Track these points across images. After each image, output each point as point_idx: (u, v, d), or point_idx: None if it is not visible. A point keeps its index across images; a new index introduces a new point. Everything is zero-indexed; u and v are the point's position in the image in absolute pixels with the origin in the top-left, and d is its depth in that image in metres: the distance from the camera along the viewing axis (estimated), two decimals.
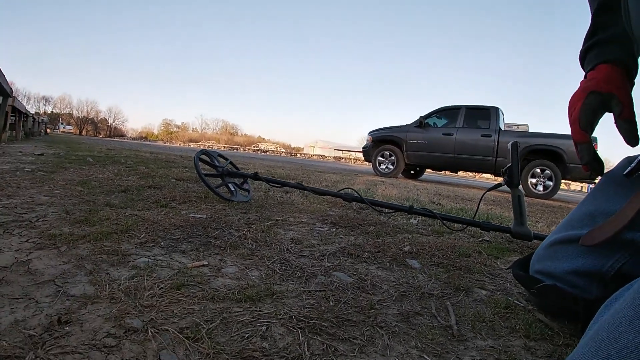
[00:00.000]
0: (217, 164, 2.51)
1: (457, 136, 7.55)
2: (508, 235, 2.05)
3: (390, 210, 2.10)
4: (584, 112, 0.87)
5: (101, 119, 79.44)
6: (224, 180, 2.41)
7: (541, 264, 0.98)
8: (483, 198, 4.55)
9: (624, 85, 0.85)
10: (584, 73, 0.95)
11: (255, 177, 2.34)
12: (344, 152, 57.68)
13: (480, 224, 1.75)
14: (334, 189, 3.55)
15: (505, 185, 1.62)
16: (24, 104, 10.77)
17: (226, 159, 2.67)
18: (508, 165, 1.60)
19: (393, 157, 8.18)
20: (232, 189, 2.37)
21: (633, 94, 0.86)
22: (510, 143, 1.61)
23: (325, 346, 0.78)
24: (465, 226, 1.87)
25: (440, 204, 3.35)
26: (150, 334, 0.75)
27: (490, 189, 1.86)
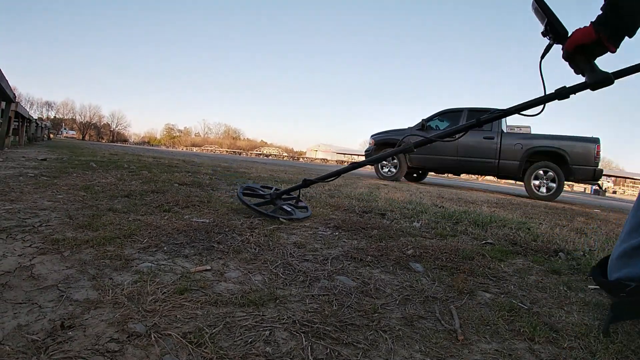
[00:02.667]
0: (262, 193, 2.39)
1: (460, 139, 7.55)
2: (511, 238, 2.04)
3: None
4: None
5: (104, 124, 79.80)
6: (276, 203, 2.22)
7: (620, 272, 1.06)
8: (487, 201, 4.54)
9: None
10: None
11: (306, 183, 2.19)
12: (346, 155, 57.74)
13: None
14: (336, 192, 3.55)
15: (555, 43, 1.41)
16: (27, 110, 10.83)
17: (270, 188, 2.55)
18: (546, 21, 1.40)
19: (395, 161, 8.17)
20: (289, 209, 2.19)
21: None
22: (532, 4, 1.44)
23: (328, 350, 0.77)
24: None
25: (443, 206, 3.34)
26: (153, 338, 0.75)
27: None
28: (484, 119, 1.68)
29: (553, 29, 1.38)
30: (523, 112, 1.57)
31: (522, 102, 1.57)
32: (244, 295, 1.00)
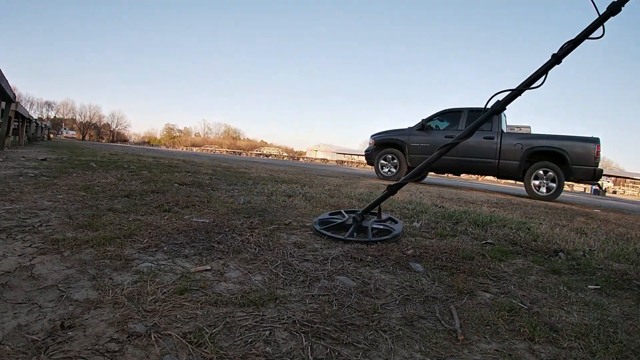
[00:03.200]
0: (339, 221, 1.95)
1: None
2: (511, 238, 2.04)
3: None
4: None
5: (104, 124, 79.70)
6: (364, 226, 1.85)
7: None
8: (487, 201, 4.54)
9: None
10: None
11: (393, 190, 1.87)
12: (346, 155, 57.73)
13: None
14: (336, 192, 3.55)
15: None
16: (27, 109, 10.83)
17: (338, 212, 2.17)
18: None
19: (395, 161, 8.17)
20: (382, 226, 1.91)
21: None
22: None
23: (329, 350, 0.77)
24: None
25: (443, 206, 3.34)
26: (153, 338, 0.75)
27: None
28: (562, 51, 1.59)
29: None
30: (590, 36, 1.56)
31: (584, 29, 1.58)
32: (244, 295, 1.00)
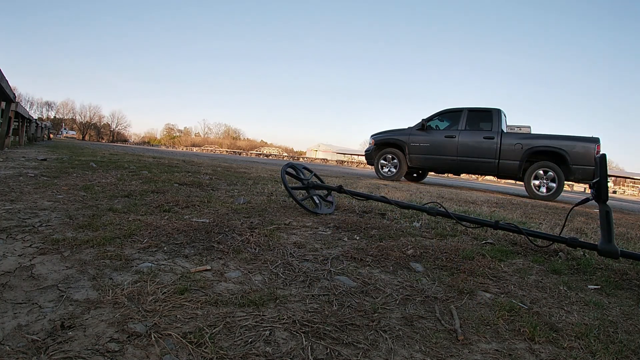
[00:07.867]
0: (302, 176, 2.52)
1: (460, 139, 7.54)
2: (511, 238, 2.04)
3: (476, 225, 1.99)
4: None
5: (104, 124, 79.60)
6: (309, 192, 2.39)
7: None
8: (487, 201, 4.54)
9: None
10: None
11: (340, 190, 2.35)
12: (346, 155, 57.65)
13: (566, 240, 1.68)
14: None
15: (593, 200, 1.59)
16: (27, 110, 10.83)
17: (310, 171, 2.66)
18: (596, 180, 1.56)
19: (395, 160, 8.18)
20: (317, 201, 2.35)
21: None
22: (599, 157, 1.56)
23: (329, 350, 0.77)
24: (551, 242, 1.81)
25: (443, 206, 3.34)
26: (153, 338, 0.75)
27: (577, 205, 1.80)
28: None
29: (598, 189, 1.57)
30: (532, 241, 1.93)
31: (537, 231, 1.87)
32: (244, 295, 1.00)
